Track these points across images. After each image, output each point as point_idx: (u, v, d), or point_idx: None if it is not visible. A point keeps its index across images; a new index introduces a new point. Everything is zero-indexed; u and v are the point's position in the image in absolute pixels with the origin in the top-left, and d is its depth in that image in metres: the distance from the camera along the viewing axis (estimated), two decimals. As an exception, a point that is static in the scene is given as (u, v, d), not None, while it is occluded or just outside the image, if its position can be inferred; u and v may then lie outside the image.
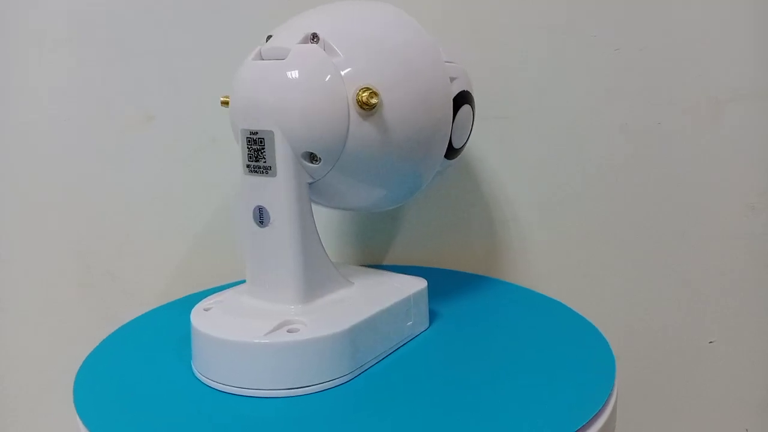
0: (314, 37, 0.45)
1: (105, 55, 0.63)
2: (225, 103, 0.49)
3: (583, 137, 0.64)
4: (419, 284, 0.51)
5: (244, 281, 0.49)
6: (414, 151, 0.47)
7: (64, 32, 0.62)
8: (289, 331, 0.43)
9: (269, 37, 0.47)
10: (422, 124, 0.47)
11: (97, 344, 0.51)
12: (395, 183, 0.49)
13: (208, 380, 0.44)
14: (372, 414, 0.41)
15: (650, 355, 0.68)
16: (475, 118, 0.53)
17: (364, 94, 0.43)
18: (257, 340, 0.42)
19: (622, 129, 0.63)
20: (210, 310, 0.47)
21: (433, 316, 0.52)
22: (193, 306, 0.48)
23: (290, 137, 0.43)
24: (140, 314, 0.57)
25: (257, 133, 0.44)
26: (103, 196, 0.65)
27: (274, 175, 0.44)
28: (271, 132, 0.43)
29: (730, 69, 0.61)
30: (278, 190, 0.44)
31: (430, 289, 0.51)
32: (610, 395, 0.41)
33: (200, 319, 0.46)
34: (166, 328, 0.54)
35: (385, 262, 0.68)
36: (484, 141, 0.64)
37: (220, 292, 0.50)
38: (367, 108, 0.43)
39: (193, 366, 0.46)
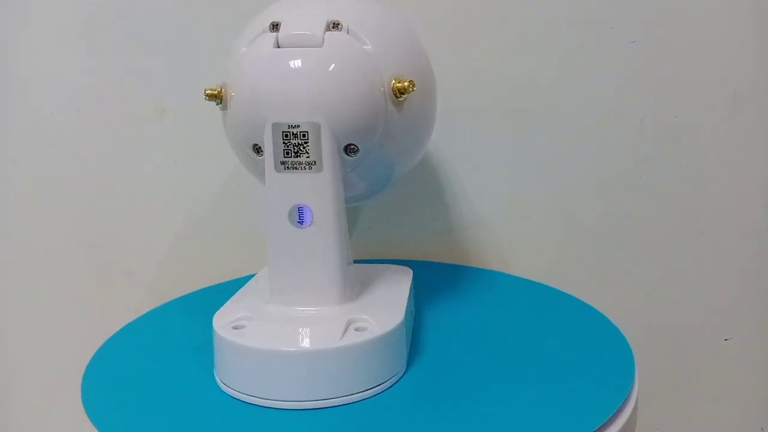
0: (336, 25, 0.43)
1: (118, 47, 0.62)
2: (215, 97, 0.44)
3: (601, 130, 0.63)
4: (408, 272, 0.52)
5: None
6: (425, 137, 0.48)
7: (78, 25, 0.61)
8: (357, 330, 0.41)
9: (275, 24, 0.43)
10: (430, 108, 0.48)
11: (105, 340, 0.50)
12: (400, 170, 0.49)
13: (258, 399, 0.40)
14: (444, 399, 0.41)
15: (666, 353, 0.67)
16: (494, 112, 0.57)
17: (401, 84, 0.43)
18: (337, 345, 0.40)
19: (640, 123, 0.62)
20: (244, 327, 0.42)
21: (449, 310, 0.53)
22: (205, 301, 0.47)
23: (335, 129, 0.41)
24: (152, 308, 0.56)
25: (298, 126, 0.41)
26: (117, 189, 0.65)
27: (320, 170, 0.42)
28: (317, 124, 0.41)
29: (749, 63, 0.61)
30: (323, 187, 0.42)
31: (448, 284, 0.52)
32: (630, 393, 0.41)
33: (244, 337, 0.41)
34: (178, 325, 0.52)
35: (396, 257, 0.67)
36: (501, 135, 0.63)
37: (229, 308, 0.45)
38: (400, 97, 0.43)
39: (227, 383, 0.42)
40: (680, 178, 0.64)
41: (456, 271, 0.63)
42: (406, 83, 0.43)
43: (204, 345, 0.44)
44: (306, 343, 0.40)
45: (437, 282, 0.60)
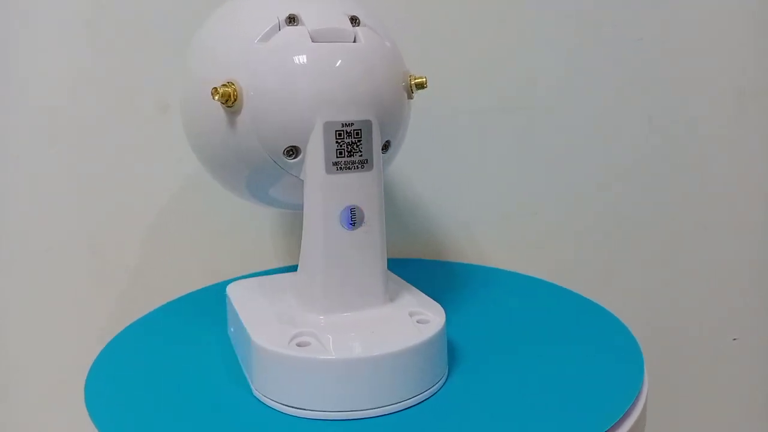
0: (356, 20, 0.42)
1: (120, 44, 0.61)
2: (228, 97, 0.39)
3: (607, 128, 0.63)
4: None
5: (259, 273, 0.47)
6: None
7: (80, 23, 0.60)
8: (419, 322, 0.41)
9: (292, 17, 0.41)
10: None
11: (110, 340, 0.49)
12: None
13: (326, 413, 0.38)
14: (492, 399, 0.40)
15: (673, 352, 0.67)
16: (501, 111, 0.57)
17: (419, 79, 0.44)
18: (422, 339, 0.39)
19: (646, 120, 0.62)
20: (310, 344, 0.39)
21: (455, 309, 0.52)
22: (209, 300, 0.47)
23: (381, 126, 0.41)
24: (156, 307, 0.55)
25: (352, 124, 0.40)
26: (119, 187, 0.63)
27: (371, 168, 0.41)
28: (369, 122, 0.40)
29: (755, 61, 0.61)
30: (374, 185, 0.41)
31: (452, 283, 0.52)
32: (639, 393, 0.40)
33: (326, 352, 0.38)
34: (183, 326, 0.51)
35: (404, 256, 0.64)
36: (508, 133, 0.62)
37: (272, 329, 0.41)
38: (414, 92, 0.45)
39: (288, 402, 0.39)
40: (687, 177, 0.64)
41: (462, 270, 0.63)
42: (423, 79, 0.44)
43: (211, 346, 0.46)
44: (393, 344, 0.39)
45: (443, 280, 0.59)
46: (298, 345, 0.39)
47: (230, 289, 0.49)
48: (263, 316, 0.43)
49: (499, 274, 0.62)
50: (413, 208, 0.66)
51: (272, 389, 0.39)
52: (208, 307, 0.49)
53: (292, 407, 0.38)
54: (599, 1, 0.61)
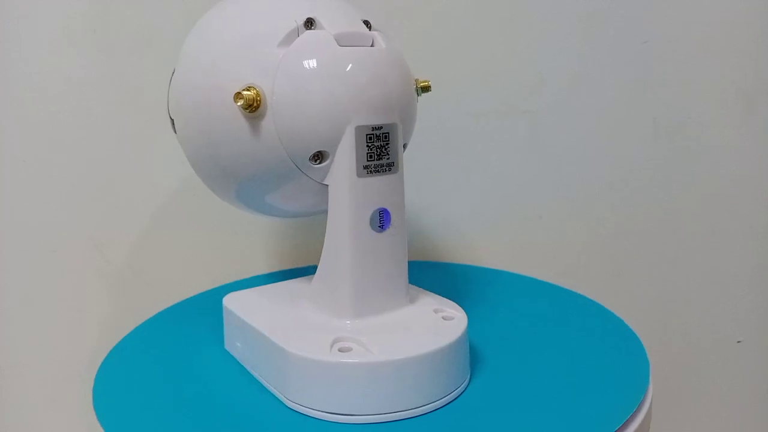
0: (368, 23, 0.43)
1: (126, 44, 0.60)
2: (252, 102, 0.38)
3: (613, 130, 0.62)
4: None
5: (264, 275, 0.48)
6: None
7: (87, 22, 0.60)
8: (444, 319, 0.42)
9: (310, 21, 0.41)
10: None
11: (119, 341, 0.49)
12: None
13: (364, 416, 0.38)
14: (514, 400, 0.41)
15: (678, 354, 0.67)
16: (507, 113, 0.58)
17: (425, 83, 0.45)
18: (457, 335, 0.40)
19: (651, 123, 0.62)
20: (351, 349, 0.39)
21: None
22: (217, 300, 0.46)
23: (404, 128, 0.42)
24: (163, 309, 0.55)
25: (381, 128, 0.40)
26: (125, 189, 0.63)
27: (396, 170, 0.41)
28: (396, 125, 0.41)
29: (761, 63, 0.60)
30: (399, 187, 0.42)
31: (457, 285, 0.53)
32: (644, 397, 0.40)
33: (372, 355, 0.38)
34: (189, 328, 0.51)
35: (411, 258, 0.60)
36: (514, 135, 0.61)
37: (304, 339, 0.40)
38: (420, 95, 0.46)
39: (328, 409, 0.38)
40: (693, 180, 0.64)
41: (469, 272, 0.63)
42: (428, 82, 0.45)
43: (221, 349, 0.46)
44: (435, 341, 0.39)
45: (449, 283, 0.59)
46: (340, 351, 0.39)
47: (229, 303, 0.47)
48: (287, 325, 0.42)
49: (505, 277, 0.62)
50: (418, 210, 0.66)
51: (315, 399, 0.38)
52: (218, 309, 0.47)
53: (339, 414, 0.38)
54: (605, 4, 0.61)
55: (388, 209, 0.41)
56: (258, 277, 0.62)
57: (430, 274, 0.53)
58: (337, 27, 0.40)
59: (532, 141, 0.64)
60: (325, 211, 0.42)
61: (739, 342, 0.67)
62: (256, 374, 0.43)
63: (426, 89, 0.45)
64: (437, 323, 0.41)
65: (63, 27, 0.59)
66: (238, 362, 0.45)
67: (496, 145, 0.62)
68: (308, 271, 0.54)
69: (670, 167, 0.64)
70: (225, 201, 0.46)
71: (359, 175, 0.40)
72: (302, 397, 0.39)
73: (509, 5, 0.61)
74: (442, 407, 0.39)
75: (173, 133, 0.45)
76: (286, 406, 0.40)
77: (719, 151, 0.63)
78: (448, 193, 0.64)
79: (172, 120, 0.45)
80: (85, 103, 0.60)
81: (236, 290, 0.48)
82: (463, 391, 0.41)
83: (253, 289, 0.49)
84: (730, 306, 0.66)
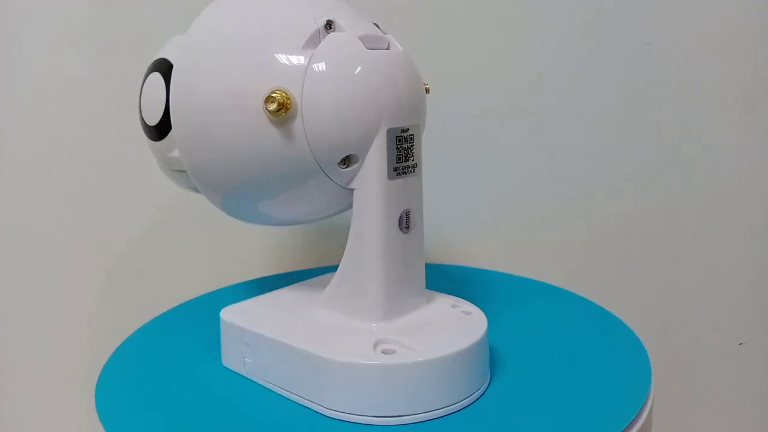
0: (377, 26, 0.43)
1: (126, 44, 0.60)
2: (282, 106, 0.38)
3: (615, 132, 0.62)
4: None
5: (266, 277, 0.48)
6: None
7: (87, 22, 0.59)
8: (464, 313, 0.44)
9: (329, 22, 0.40)
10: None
11: (120, 341, 0.49)
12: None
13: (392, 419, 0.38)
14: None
15: (679, 355, 0.67)
16: (509, 114, 0.57)
17: (426, 85, 0.46)
18: (485, 328, 0.41)
19: (654, 123, 0.62)
20: (395, 351, 0.39)
21: None
22: (220, 304, 0.45)
23: (422, 130, 0.43)
24: (166, 310, 0.55)
25: (408, 129, 0.40)
26: (124, 187, 0.63)
27: (419, 171, 0.42)
28: (419, 126, 0.41)
29: (762, 64, 0.60)
30: (420, 187, 0.42)
31: (460, 287, 0.53)
32: (646, 400, 0.40)
33: (418, 354, 0.38)
34: (193, 329, 0.50)
35: None
36: (516, 136, 0.61)
37: (343, 345, 0.40)
38: (420, 96, 0.47)
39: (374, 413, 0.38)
40: (694, 180, 0.64)
41: (469, 274, 0.62)
42: (428, 84, 0.46)
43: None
44: (469, 335, 0.40)
45: (451, 285, 0.57)
46: (384, 353, 0.39)
47: (229, 316, 0.45)
48: (313, 332, 0.41)
49: (505, 278, 0.62)
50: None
51: (358, 404, 0.38)
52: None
53: (386, 417, 0.38)
54: (607, 5, 0.61)
55: (412, 210, 0.42)
56: (259, 279, 0.60)
57: (430, 275, 0.53)
58: (357, 30, 0.40)
59: (532, 141, 0.64)
60: (326, 218, 0.42)
61: (740, 344, 0.67)
62: (275, 387, 0.42)
63: (426, 91, 0.46)
64: (462, 319, 0.42)
65: (63, 27, 0.59)
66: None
67: (496, 145, 0.63)
68: (307, 274, 0.54)
69: (670, 167, 0.64)
70: (225, 211, 0.45)
71: (390, 177, 0.40)
72: (344, 403, 0.38)
73: (509, 5, 0.62)
74: (477, 400, 0.40)
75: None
76: (322, 415, 0.39)
77: (719, 151, 0.63)
78: (449, 194, 0.64)
79: (161, 128, 0.42)
80: (85, 103, 0.61)
81: (237, 290, 0.47)
82: (488, 387, 0.42)
83: (248, 300, 0.47)
84: (730, 306, 0.66)
